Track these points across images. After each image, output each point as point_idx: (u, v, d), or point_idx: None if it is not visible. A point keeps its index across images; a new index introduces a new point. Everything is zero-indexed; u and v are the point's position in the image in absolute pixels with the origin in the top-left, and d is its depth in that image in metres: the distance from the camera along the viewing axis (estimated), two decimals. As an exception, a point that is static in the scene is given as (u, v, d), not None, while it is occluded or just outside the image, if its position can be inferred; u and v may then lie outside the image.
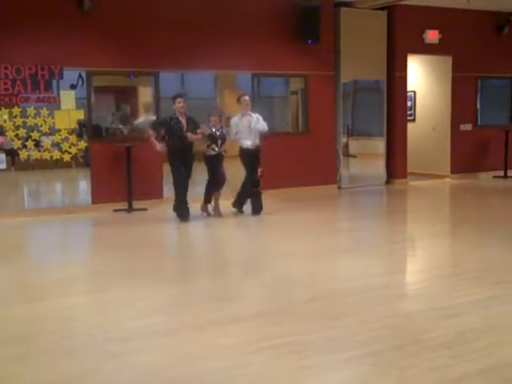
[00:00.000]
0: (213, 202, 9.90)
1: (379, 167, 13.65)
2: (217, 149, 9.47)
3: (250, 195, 9.76)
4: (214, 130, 9.42)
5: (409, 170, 13.96)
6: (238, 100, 9.74)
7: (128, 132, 11.47)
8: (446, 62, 14.15)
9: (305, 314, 5.17)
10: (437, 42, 13.79)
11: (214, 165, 9.57)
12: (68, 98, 10.43)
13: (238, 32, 11.65)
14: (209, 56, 11.48)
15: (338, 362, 4.14)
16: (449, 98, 14.30)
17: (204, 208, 9.92)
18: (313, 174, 12.70)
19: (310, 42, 12.17)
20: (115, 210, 10.51)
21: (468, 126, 14.54)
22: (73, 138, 10.53)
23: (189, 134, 9.17)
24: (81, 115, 10.59)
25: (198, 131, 9.30)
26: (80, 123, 10.67)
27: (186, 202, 9.45)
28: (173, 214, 9.68)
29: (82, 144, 10.59)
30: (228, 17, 11.59)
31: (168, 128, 9.23)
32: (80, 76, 10.56)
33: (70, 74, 10.47)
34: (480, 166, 14.74)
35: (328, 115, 12.83)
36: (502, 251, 7.41)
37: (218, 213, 9.85)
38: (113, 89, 11.97)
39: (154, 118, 11.59)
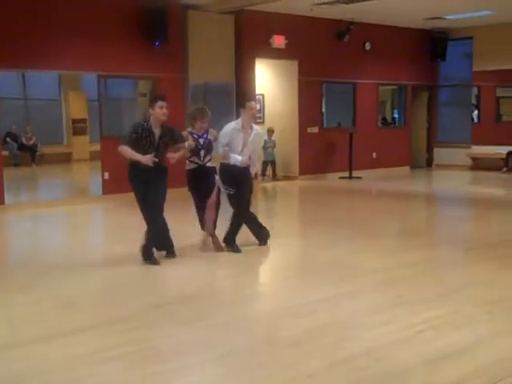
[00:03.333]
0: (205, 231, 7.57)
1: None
2: (198, 160, 7.27)
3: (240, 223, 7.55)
4: (197, 136, 7.22)
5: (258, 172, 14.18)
6: (243, 105, 7.41)
7: None
8: (293, 66, 14.53)
9: (154, 319, 5.04)
10: (283, 47, 14.12)
11: (196, 182, 7.31)
12: None
13: (83, 31, 11.22)
14: (52, 55, 10.95)
15: (190, 366, 4.07)
16: (296, 101, 14.69)
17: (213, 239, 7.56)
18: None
19: (157, 43, 12.00)
20: (-51, 219, 9.77)
21: (315, 129, 15.02)
22: None
23: (170, 156, 6.89)
24: None
25: (186, 145, 7.00)
26: None
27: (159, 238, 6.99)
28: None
29: None
30: (74, 15, 11.13)
31: (136, 141, 6.63)
32: None
33: None
34: (327, 167, 15.28)
35: (177, 117, 12.68)
36: (349, 249, 7.69)
37: (204, 245, 7.48)
38: None
39: None
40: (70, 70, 11.55)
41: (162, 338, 4.57)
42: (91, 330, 4.78)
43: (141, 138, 6.62)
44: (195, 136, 7.18)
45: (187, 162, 7.30)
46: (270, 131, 14.75)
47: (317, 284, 5.97)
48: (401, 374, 3.88)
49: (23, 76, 17.38)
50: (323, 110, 15.37)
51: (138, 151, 6.60)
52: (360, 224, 9.53)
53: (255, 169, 7.81)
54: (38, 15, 10.77)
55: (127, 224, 7.06)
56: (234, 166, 7.29)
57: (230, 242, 7.45)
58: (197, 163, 7.24)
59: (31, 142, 17.59)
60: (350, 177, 15.15)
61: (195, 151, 7.18)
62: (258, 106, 14.45)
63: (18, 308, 5.50)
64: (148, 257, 6.79)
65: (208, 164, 7.31)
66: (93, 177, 10.88)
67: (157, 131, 6.71)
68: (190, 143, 7.05)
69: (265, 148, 14.73)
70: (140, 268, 6.69)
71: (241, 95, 12.11)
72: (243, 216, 7.49)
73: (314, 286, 5.89)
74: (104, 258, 7.43)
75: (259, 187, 13.81)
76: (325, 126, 15.36)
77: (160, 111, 6.66)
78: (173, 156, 6.94)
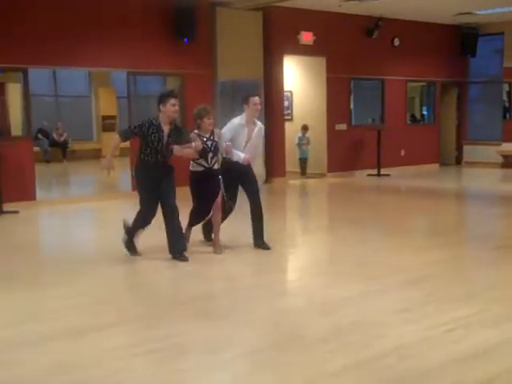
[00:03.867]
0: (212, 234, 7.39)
1: (258, 166, 13.71)
2: (206, 163, 7.03)
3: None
4: (205, 138, 6.99)
5: (287, 169, 14.17)
6: (246, 101, 7.22)
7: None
8: (321, 63, 14.48)
9: (184, 316, 5.07)
10: (311, 43, 14.09)
11: (202, 185, 7.05)
12: None
13: (112, 28, 11.33)
14: (82, 52, 11.08)
15: (217, 362, 4.09)
16: (324, 98, 14.65)
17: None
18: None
19: (186, 40, 12.07)
20: (-17, 214, 9.94)
21: (343, 126, 14.97)
22: None
23: (176, 148, 6.77)
24: None
25: (193, 144, 6.84)
26: None
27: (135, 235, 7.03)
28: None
29: None
30: (103, 13, 11.24)
31: (142, 137, 6.67)
32: None
33: None
34: (355, 164, 15.22)
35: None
36: (377, 246, 7.66)
37: (216, 248, 7.23)
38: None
39: None
40: (100, 67, 11.66)
41: (189, 335, 4.59)
42: (120, 326, 4.84)
43: (148, 134, 6.62)
44: (203, 139, 6.98)
45: (192, 163, 7.10)
46: (305, 128, 14.67)
47: (344, 281, 5.96)
48: (428, 372, 3.87)
49: (54, 73, 17.63)
50: (351, 106, 15.31)
51: (147, 147, 6.66)
52: (388, 222, 9.48)
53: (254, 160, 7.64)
54: (68, 14, 10.89)
55: (155, 220, 7.12)
56: (237, 163, 7.20)
57: (260, 241, 7.39)
58: (204, 166, 7.03)
59: (62, 139, 17.79)
60: (379, 174, 15.08)
61: (203, 154, 6.98)
62: (286, 103, 14.58)
63: (48, 303, 5.57)
64: (178, 253, 6.80)
65: (215, 167, 7.14)
66: (122, 173, 10.98)
67: (166, 129, 6.69)
68: (197, 144, 6.88)
69: (299, 145, 14.68)
70: (168, 264, 6.75)
71: (245, 92, 12.09)
72: (260, 211, 7.39)
73: (341, 284, 5.88)
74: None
75: (287, 184, 13.82)
76: (353, 123, 15.31)
77: (172, 108, 6.64)
78: (178, 148, 6.79)
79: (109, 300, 5.57)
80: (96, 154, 19.12)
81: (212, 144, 7.04)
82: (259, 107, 7.35)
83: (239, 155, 7.19)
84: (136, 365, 4.06)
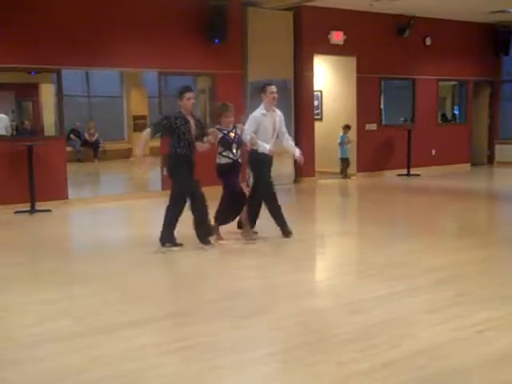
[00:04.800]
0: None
1: (288, 166, 13.74)
2: (232, 156, 7.37)
3: (257, 209, 7.73)
4: (225, 131, 7.36)
5: (316, 169, 14.15)
6: (263, 90, 7.58)
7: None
8: (351, 62, 14.43)
9: (213, 314, 5.12)
10: (342, 43, 14.05)
11: (230, 176, 7.43)
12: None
13: (144, 30, 11.45)
14: (114, 53, 11.23)
15: (248, 361, 4.12)
16: (354, 97, 14.60)
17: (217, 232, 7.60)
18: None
19: (216, 41, 12.13)
20: (17, 212, 10.10)
21: (373, 126, 14.90)
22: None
23: (198, 144, 7.20)
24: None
25: (206, 139, 7.25)
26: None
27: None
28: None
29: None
30: (134, 14, 11.37)
31: (172, 131, 7.10)
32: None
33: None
34: (385, 164, 15.14)
35: (236, 114, 12.77)
36: (405, 247, 7.60)
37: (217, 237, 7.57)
38: (13, 85, 11.56)
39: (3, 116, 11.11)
40: (132, 68, 11.79)
41: (219, 333, 4.62)
42: (151, 323, 4.90)
43: (177, 126, 7.06)
44: (224, 131, 7.35)
45: (219, 156, 7.39)
46: (346, 127, 14.52)
47: (373, 281, 5.95)
48: (458, 373, 3.85)
49: (87, 74, 17.85)
50: (381, 106, 15.23)
51: (180, 140, 7.06)
52: (418, 222, 9.43)
53: (298, 151, 7.85)
54: (101, 15, 11.04)
55: (184, 219, 7.20)
56: (264, 154, 7.46)
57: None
58: (232, 159, 7.37)
59: (94, 139, 17.99)
60: (408, 174, 14.97)
61: (227, 146, 7.32)
62: (315, 103, 14.56)
63: (80, 300, 5.66)
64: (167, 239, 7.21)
65: (240, 160, 7.46)
66: (152, 172, 11.08)
67: (191, 120, 7.19)
68: (209, 138, 7.25)
69: (341, 145, 14.55)
70: (198, 260, 6.81)
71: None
72: (275, 203, 7.65)
73: (370, 284, 5.88)
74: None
75: (316, 184, 13.80)
76: (383, 122, 15.23)
77: (188, 102, 7.16)
78: (201, 145, 7.22)
79: (139, 297, 5.63)
80: (127, 154, 19.31)
81: (235, 136, 7.38)
82: (276, 95, 7.58)
83: (265, 147, 7.45)
84: (167, 362, 4.10)
